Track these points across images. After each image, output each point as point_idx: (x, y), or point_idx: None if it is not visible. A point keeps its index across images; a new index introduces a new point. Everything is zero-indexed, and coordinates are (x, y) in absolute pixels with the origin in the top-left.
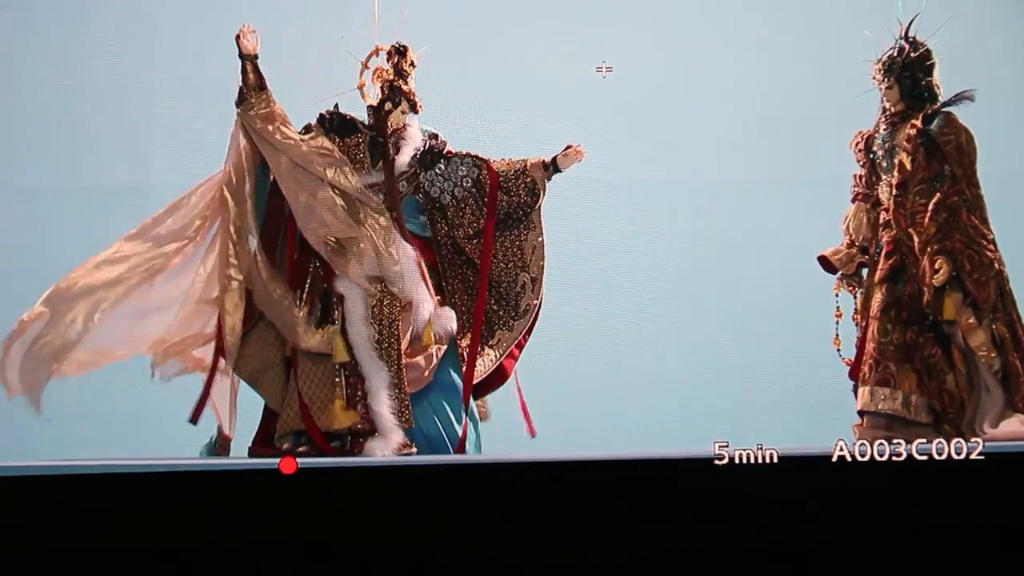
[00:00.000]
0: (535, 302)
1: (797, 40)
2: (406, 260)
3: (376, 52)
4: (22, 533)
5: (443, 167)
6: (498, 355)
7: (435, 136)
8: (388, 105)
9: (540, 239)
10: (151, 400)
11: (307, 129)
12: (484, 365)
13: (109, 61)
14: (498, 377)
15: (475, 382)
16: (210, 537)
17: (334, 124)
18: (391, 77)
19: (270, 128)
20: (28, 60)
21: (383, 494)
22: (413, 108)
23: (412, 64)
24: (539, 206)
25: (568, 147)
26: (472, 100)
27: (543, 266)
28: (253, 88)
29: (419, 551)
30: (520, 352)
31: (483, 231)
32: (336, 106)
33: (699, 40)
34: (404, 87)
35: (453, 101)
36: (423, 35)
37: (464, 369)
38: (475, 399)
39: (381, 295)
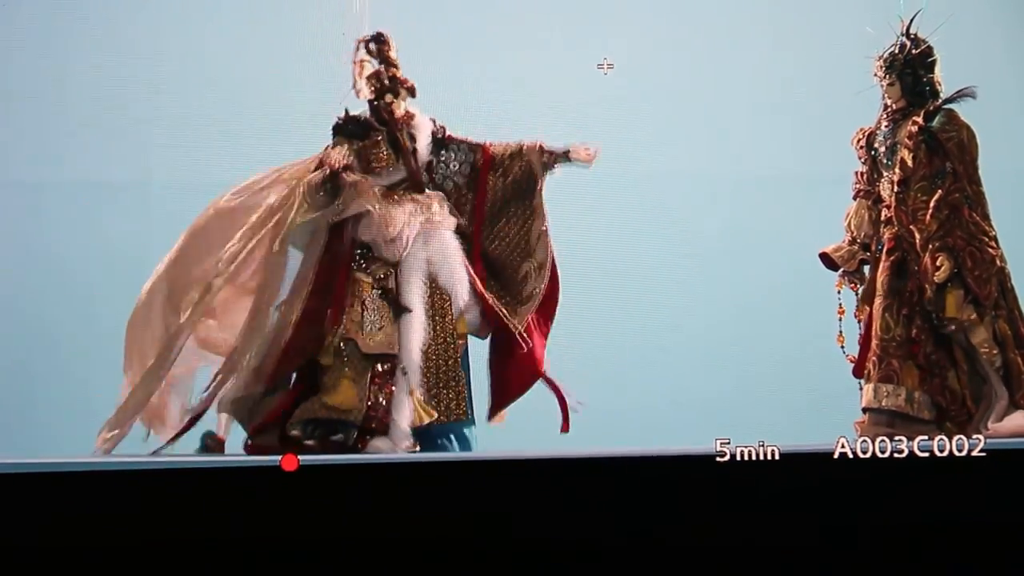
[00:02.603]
0: (540, 287)
1: (798, 37)
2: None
3: (363, 44)
4: (19, 531)
5: (445, 153)
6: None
7: (433, 121)
8: (388, 96)
9: (544, 226)
10: None
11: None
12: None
13: (111, 53)
14: (530, 373)
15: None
16: (211, 534)
17: (350, 129)
18: (381, 68)
19: None
20: (27, 55)
21: (384, 491)
22: (411, 92)
23: (394, 49)
24: (539, 189)
25: (586, 147)
26: (473, 97)
27: (550, 250)
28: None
29: (421, 548)
30: (545, 341)
31: (475, 209)
32: (346, 111)
33: (700, 37)
34: (397, 74)
35: (453, 98)
36: (422, 32)
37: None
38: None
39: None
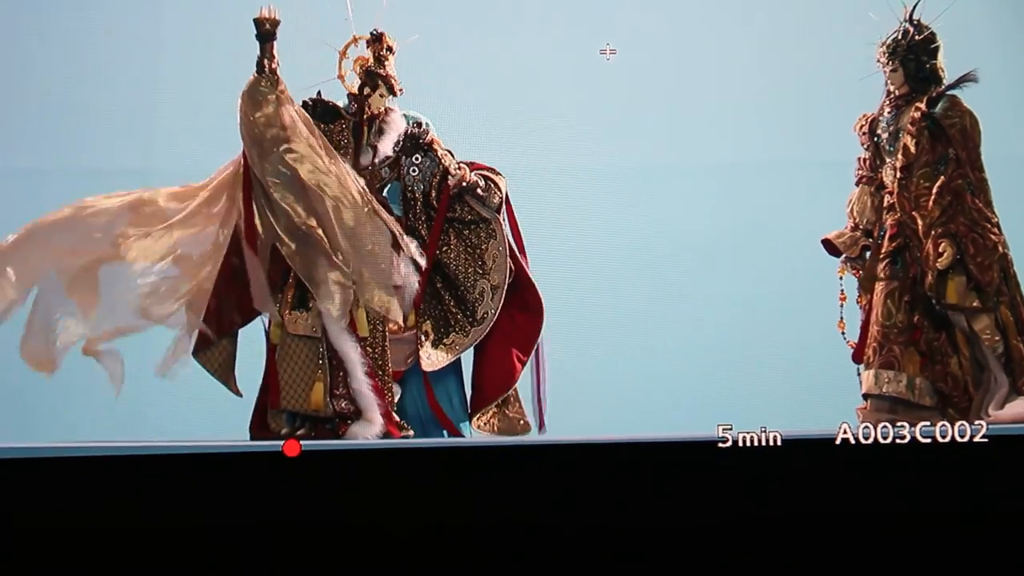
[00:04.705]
0: (492, 310)
1: (802, 22)
2: (386, 243)
3: (355, 41)
4: (27, 514)
5: (420, 158)
6: (449, 357)
7: (419, 124)
8: (366, 90)
9: (502, 248)
10: (154, 383)
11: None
12: (432, 361)
13: (112, 43)
14: (506, 380)
15: (433, 368)
16: (213, 519)
17: (318, 111)
18: (370, 63)
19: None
20: (31, 43)
21: (386, 477)
22: (391, 91)
23: (389, 49)
24: (497, 216)
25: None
26: (473, 83)
27: (507, 275)
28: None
29: (423, 533)
30: (527, 358)
31: (434, 221)
32: (319, 93)
33: (704, 23)
34: (381, 71)
35: (452, 85)
36: (423, 21)
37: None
38: (479, 402)
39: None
